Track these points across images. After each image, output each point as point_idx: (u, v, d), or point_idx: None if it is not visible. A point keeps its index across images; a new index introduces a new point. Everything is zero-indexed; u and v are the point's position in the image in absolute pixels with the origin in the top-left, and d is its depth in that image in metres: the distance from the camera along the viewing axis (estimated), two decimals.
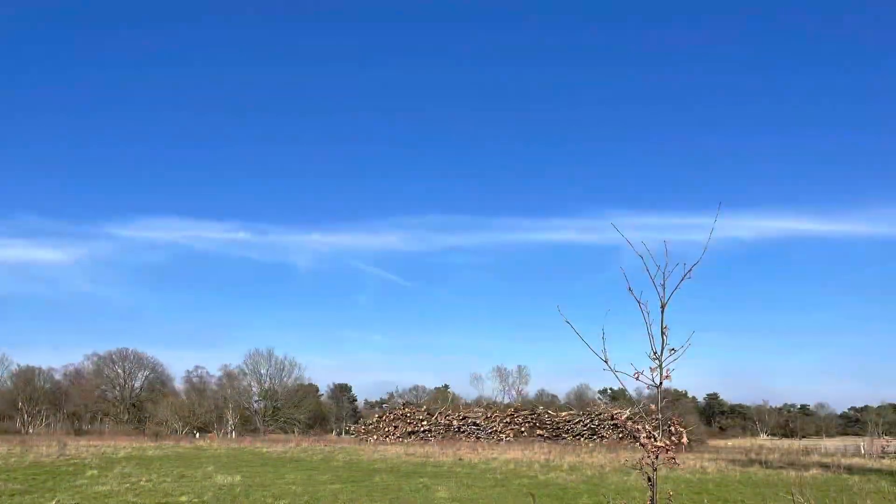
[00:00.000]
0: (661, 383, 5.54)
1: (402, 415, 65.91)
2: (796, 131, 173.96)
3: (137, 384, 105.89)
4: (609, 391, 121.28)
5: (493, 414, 63.17)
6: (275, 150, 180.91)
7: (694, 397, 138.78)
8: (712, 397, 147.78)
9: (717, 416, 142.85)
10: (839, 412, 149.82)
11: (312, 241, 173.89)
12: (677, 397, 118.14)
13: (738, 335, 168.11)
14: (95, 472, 26.08)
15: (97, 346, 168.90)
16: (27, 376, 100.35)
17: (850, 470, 30.06)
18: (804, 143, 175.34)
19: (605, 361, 5.67)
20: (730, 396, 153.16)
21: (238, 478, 23.99)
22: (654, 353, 5.57)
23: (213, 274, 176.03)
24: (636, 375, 5.58)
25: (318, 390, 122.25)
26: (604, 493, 21.02)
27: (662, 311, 5.51)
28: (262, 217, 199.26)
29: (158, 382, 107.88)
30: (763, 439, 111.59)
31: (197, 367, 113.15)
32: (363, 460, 35.16)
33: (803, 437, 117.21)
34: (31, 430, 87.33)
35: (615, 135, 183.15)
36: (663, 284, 5.55)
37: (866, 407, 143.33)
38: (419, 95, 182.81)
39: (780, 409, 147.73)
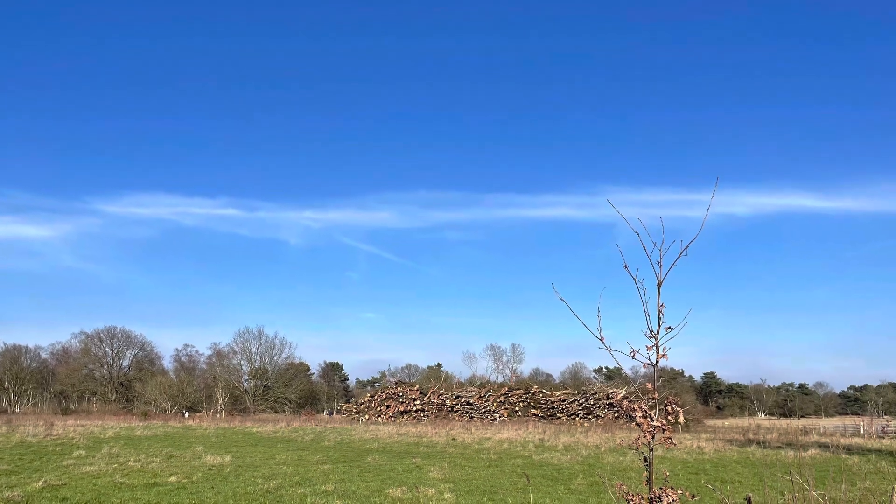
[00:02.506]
0: (657, 362, 5.33)
1: (394, 394, 65.71)
2: (794, 106, 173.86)
3: (125, 363, 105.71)
4: (605, 370, 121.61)
5: (486, 393, 62.92)
6: (264, 125, 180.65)
7: (691, 376, 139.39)
8: (709, 376, 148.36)
9: (714, 395, 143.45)
10: (838, 391, 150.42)
11: (304, 218, 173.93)
12: (674, 376, 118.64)
13: (736, 313, 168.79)
14: (83, 452, 25.79)
15: (84, 324, 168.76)
16: (14, 355, 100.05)
17: (849, 450, 29.88)
18: (803, 117, 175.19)
19: (601, 340, 5.49)
20: (727, 375, 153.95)
21: (228, 458, 23.69)
22: (651, 331, 5.37)
23: (201, 251, 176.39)
24: (632, 354, 5.37)
25: (308, 369, 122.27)
26: (599, 473, 20.78)
27: (659, 289, 5.36)
28: (252, 193, 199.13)
29: (147, 361, 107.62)
30: (761, 419, 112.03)
31: (186, 346, 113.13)
32: (355, 440, 34.96)
33: (802, 416, 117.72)
34: (17, 410, 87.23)
35: (610, 110, 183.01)
36: (660, 262, 5.37)
37: (866, 386, 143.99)
38: (410, 69, 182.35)
39: (778, 388, 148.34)
